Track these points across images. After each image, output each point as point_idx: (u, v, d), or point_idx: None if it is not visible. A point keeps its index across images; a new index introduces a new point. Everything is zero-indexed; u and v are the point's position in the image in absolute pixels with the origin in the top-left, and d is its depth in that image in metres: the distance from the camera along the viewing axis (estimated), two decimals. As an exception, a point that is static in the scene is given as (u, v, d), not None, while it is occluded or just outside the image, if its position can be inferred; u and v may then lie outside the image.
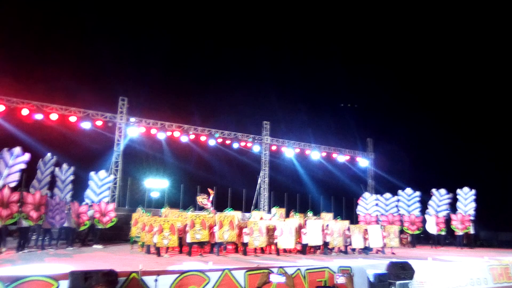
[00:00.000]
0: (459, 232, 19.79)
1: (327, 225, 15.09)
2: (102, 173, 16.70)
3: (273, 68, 32.43)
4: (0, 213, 11.39)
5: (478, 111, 28.67)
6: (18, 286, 6.93)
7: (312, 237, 14.52)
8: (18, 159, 12.72)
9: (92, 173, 16.40)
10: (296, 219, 16.11)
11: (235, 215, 14.35)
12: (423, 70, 30.79)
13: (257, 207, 25.42)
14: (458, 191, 20.97)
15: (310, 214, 17.89)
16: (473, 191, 20.63)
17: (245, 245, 13.55)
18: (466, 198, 20.62)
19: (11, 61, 22.16)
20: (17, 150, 12.74)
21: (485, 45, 28.19)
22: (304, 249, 14.41)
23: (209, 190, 17.14)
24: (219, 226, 13.17)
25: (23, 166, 12.84)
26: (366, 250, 15.54)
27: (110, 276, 6.70)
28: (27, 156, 13.00)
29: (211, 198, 16.84)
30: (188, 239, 12.75)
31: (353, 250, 15.69)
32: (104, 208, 15.69)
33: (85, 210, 14.64)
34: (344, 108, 31.00)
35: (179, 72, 29.75)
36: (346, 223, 16.35)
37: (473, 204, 20.38)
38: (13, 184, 12.36)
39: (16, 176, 12.54)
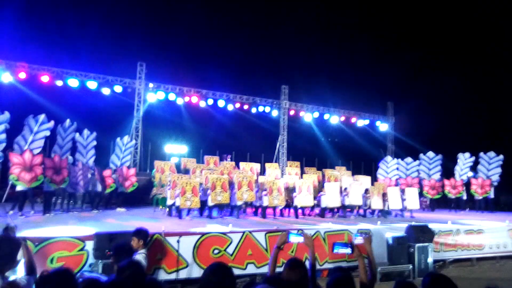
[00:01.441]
0: (478, 197, 19.61)
1: (345, 188, 15.13)
2: (126, 138, 16.99)
3: (292, 31, 31.78)
4: (24, 177, 11.70)
5: (507, 72, 27.69)
6: (47, 246, 7.21)
7: (330, 199, 14.60)
8: (43, 126, 12.99)
9: (118, 139, 16.74)
10: (312, 175, 16.26)
11: (253, 176, 14.47)
12: (444, 29, 29.68)
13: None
14: (481, 155, 20.70)
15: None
16: (500, 157, 20.32)
17: (264, 208, 13.73)
18: (491, 163, 20.35)
19: (30, 28, 22.27)
20: (42, 117, 13.00)
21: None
22: (323, 213, 14.53)
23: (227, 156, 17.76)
24: (238, 187, 13.33)
25: (48, 133, 13.13)
26: (384, 213, 15.58)
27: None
28: (52, 124, 13.26)
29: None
30: (210, 202, 12.98)
31: (372, 213, 15.73)
32: (125, 172, 15.98)
33: (109, 173, 14.93)
34: (363, 72, 30.31)
35: (197, 36, 29.44)
36: (367, 180, 16.39)
37: (498, 170, 20.12)
38: (37, 151, 12.67)
39: (40, 143, 12.85)
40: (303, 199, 14.24)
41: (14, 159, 11.68)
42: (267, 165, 18.03)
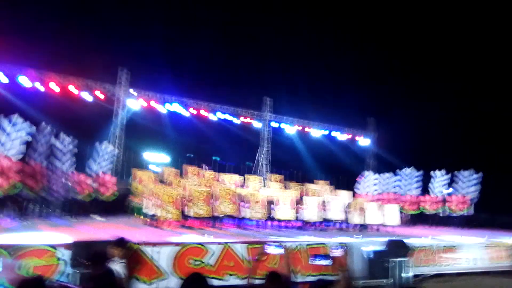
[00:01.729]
0: (457, 213, 19.93)
1: (324, 202, 15.13)
2: (105, 144, 16.71)
3: (277, 43, 32.08)
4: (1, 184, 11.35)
5: (484, 93, 28.40)
6: (21, 254, 6.98)
7: (311, 213, 14.61)
8: (17, 126, 12.56)
9: (97, 144, 16.42)
10: (293, 190, 16.24)
11: (234, 190, 14.36)
12: (426, 48, 30.41)
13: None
14: (456, 173, 21.07)
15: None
16: (476, 175, 20.69)
17: (244, 220, 13.67)
18: (465, 181, 20.71)
19: (12, 29, 21.83)
20: (15, 117, 12.55)
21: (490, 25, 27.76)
22: (304, 225, 14.53)
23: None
24: (218, 200, 13.21)
25: (29, 138, 12.69)
26: (362, 227, 15.67)
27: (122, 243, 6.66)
28: (33, 129, 12.84)
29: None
30: (191, 214, 12.78)
31: (352, 226, 15.80)
32: (106, 180, 15.70)
33: (84, 179, 14.56)
34: (346, 87, 30.67)
35: (182, 46, 29.36)
36: (347, 195, 16.50)
37: (475, 187, 20.47)
38: (18, 157, 12.27)
39: (22, 148, 12.41)
40: (284, 212, 14.21)
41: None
42: (248, 177, 17.97)
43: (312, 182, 19.66)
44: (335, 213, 15.12)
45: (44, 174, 12.81)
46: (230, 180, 16.69)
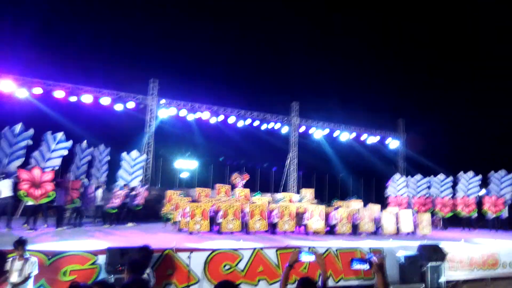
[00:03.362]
0: (492, 215, 19.32)
1: (356, 213, 14.88)
2: (134, 153, 17.03)
3: (303, 49, 32.08)
4: (33, 193, 11.81)
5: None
6: (60, 259, 7.28)
7: (342, 224, 14.46)
8: (61, 144, 13.13)
9: (124, 154, 16.75)
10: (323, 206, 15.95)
11: (265, 204, 14.34)
12: (457, 48, 29.72)
13: (285, 188, 25.53)
14: (492, 173, 20.44)
15: (336, 201, 17.77)
16: (510, 175, 20.02)
17: (274, 225, 13.66)
18: (502, 181, 20.06)
19: (45, 45, 22.76)
20: (60, 135, 13.14)
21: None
22: (333, 229, 14.39)
23: (245, 175, 17.53)
24: (250, 216, 13.25)
25: (65, 152, 13.22)
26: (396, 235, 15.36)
27: (145, 251, 6.90)
28: (70, 143, 13.37)
29: (243, 182, 17.28)
30: (221, 228, 12.85)
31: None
32: (139, 191, 15.85)
33: (77, 186, 13.82)
34: (374, 89, 30.30)
35: (209, 53, 29.80)
36: (377, 208, 16.20)
37: (509, 189, 19.79)
38: (53, 169, 12.76)
39: (57, 161, 12.93)
40: (315, 223, 14.12)
41: (23, 175, 11.81)
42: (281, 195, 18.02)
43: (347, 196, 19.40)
44: (367, 223, 14.86)
45: (78, 187, 13.22)
46: (260, 200, 16.31)
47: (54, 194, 12.16)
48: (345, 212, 14.58)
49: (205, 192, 16.28)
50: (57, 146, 12.94)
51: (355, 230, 14.53)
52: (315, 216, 14.15)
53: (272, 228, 13.69)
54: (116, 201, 14.65)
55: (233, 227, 12.84)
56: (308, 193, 18.43)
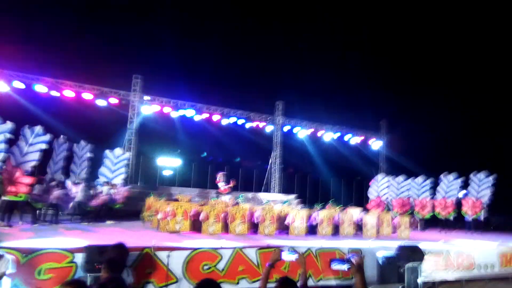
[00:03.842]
0: (469, 217, 19.69)
1: (337, 215, 14.96)
2: (118, 150, 16.87)
3: (288, 47, 32.16)
4: (9, 189, 11.58)
5: (497, 95, 28.09)
6: (35, 257, 7.13)
7: (323, 227, 14.51)
8: (39, 138, 12.89)
9: (107, 151, 16.57)
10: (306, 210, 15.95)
11: (248, 209, 14.21)
12: (437, 49, 30.21)
13: (268, 187, 25.58)
14: (472, 176, 20.81)
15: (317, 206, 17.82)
16: (490, 178, 20.39)
17: (256, 225, 13.61)
18: (480, 184, 20.44)
19: (27, 38, 22.34)
20: (37, 128, 12.90)
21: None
22: (314, 229, 14.44)
23: (232, 181, 17.28)
24: (231, 219, 13.16)
25: (44, 146, 13.00)
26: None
27: (120, 249, 6.77)
28: (48, 136, 13.14)
29: (226, 187, 17.02)
30: (202, 231, 12.73)
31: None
32: (120, 189, 15.71)
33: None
34: (357, 90, 30.53)
35: (193, 51, 29.64)
36: (356, 211, 16.30)
37: (488, 191, 20.18)
38: (32, 163, 12.53)
39: (35, 155, 12.70)
40: (297, 228, 14.10)
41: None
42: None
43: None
44: (347, 227, 14.92)
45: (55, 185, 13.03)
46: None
47: (25, 196, 11.87)
48: (327, 214, 14.66)
49: (187, 198, 16.11)
50: (34, 140, 12.71)
51: (336, 231, 14.63)
52: (297, 220, 14.18)
53: (254, 228, 13.65)
54: (98, 201, 14.46)
55: (215, 230, 12.76)
56: (292, 198, 18.42)
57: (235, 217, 13.23)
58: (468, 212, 19.65)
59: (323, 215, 14.62)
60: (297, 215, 14.28)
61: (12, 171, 11.88)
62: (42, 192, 13.20)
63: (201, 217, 12.70)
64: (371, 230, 15.16)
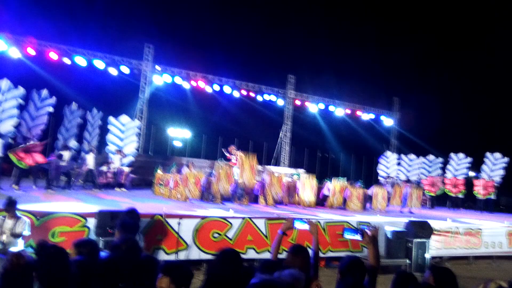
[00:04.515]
0: (481, 197, 19.58)
1: (346, 189, 14.99)
2: (124, 118, 16.48)
3: (300, 21, 31.61)
4: (24, 158, 11.69)
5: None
6: (49, 220, 7.27)
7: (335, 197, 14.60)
8: (46, 101, 12.99)
9: (111, 118, 16.17)
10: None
11: (255, 159, 14.01)
12: (452, 24, 29.43)
13: (277, 161, 25.60)
14: (488, 155, 20.63)
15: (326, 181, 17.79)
16: (505, 159, 20.24)
17: (265, 196, 13.66)
18: (495, 163, 20.29)
19: (40, 4, 22.19)
20: (44, 92, 12.99)
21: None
22: (324, 200, 14.53)
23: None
24: (241, 169, 13.18)
25: (51, 109, 13.11)
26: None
27: (133, 214, 6.83)
28: (53, 99, 13.22)
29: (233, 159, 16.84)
30: (212, 191, 12.82)
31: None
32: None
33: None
34: (370, 66, 30.01)
35: (206, 22, 29.25)
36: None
37: (501, 172, 20.08)
38: (41, 127, 12.64)
39: (43, 119, 12.83)
40: (306, 196, 14.14)
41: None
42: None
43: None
44: (356, 202, 14.94)
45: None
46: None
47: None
48: (338, 185, 14.74)
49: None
50: (41, 104, 12.81)
51: (345, 204, 14.71)
52: (307, 189, 14.22)
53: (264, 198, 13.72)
54: (104, 180, 14.35)
55: (223, 190, 12.80)
56: (302, 172, 18.43)
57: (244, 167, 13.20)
58: (480, 192, 19.52)
59: (335, 185, 14.70)
60: (306, 184, 14.32)
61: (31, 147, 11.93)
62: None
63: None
64: (381, 202, 15.22)
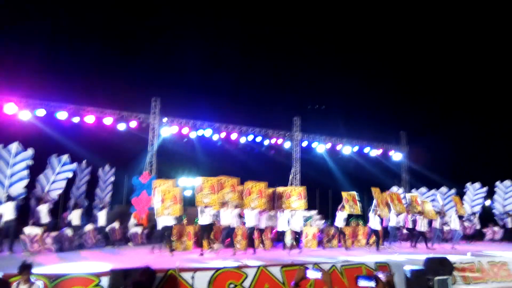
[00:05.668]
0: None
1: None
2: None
3: (303, 63, 32.27)
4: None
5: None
6: (62, 282, 7.21)
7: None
8: (65, 167, 13.21)
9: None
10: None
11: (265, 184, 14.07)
12: (458, 61, 29.83)
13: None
14: (498, 184, 20.38)
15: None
16: None
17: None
18: (507, 191, 20.00)
19: (48, 66, 22.98)
20: (65, 157, 13.25)
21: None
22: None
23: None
24: (247, 193, 13.03)
25: (70, 174, 13.31)
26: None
27: (148, 272, 6.80)
28: (74, 165, 13.43)
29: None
30: (196, 203, 12.53)
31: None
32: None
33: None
34: (375, 102, 30.27)
35: (209, 70, 29.98)
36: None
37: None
38: (58, 191, 12.79)
39: (62, 184, 13.00)
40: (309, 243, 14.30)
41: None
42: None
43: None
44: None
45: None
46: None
47: None
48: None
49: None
50: (62, 169, 13.03)
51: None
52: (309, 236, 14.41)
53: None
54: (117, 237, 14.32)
55: (209, 202, 12.50)
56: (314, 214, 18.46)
57: (251, 191, 13.38)
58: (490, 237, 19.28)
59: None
60: (309, 232, 14.75)
61: None
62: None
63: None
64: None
